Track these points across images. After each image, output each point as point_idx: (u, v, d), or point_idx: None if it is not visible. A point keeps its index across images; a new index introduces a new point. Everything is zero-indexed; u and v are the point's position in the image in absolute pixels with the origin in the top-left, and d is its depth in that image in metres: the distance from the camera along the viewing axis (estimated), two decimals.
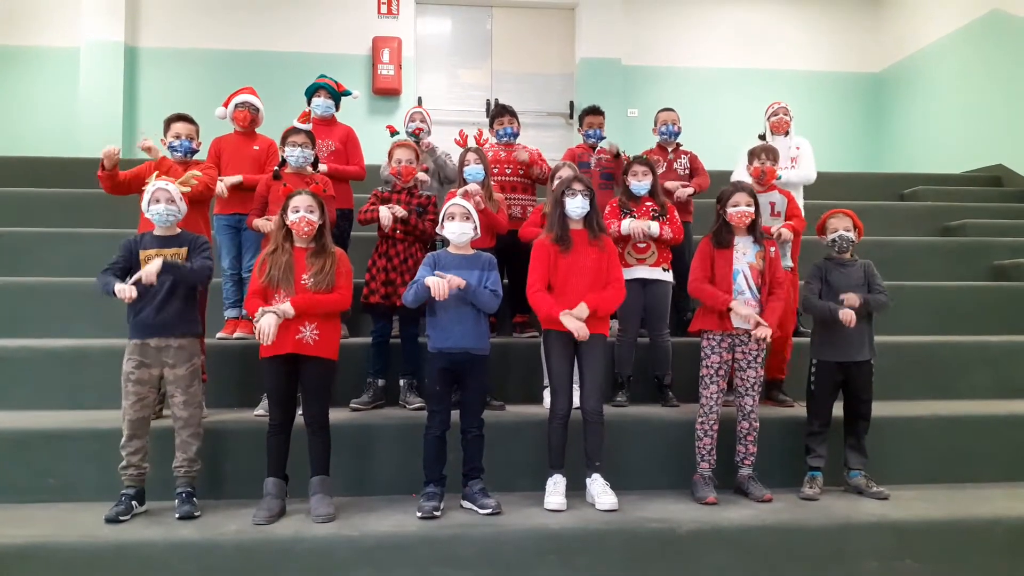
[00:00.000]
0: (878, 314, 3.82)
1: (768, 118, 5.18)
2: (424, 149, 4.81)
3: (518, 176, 4.85)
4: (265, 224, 4.06)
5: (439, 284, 3.30)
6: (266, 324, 3.23)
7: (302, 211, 3.40)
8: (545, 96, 10.05)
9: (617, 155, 4.93)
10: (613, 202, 4.39)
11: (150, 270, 3.25)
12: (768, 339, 3.62)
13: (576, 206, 3.56)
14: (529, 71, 10.09)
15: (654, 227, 4.21)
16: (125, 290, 3.23)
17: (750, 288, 3.67)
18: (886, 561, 3.28)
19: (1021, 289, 5.67)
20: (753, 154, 4.46)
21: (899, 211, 7.29)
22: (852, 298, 3.70)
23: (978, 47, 8.56)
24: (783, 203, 4.45)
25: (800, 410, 3.95)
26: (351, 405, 4.03)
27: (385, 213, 4.08)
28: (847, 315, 3.66)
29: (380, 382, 4.14)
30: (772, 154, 4.42)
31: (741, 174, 4.74)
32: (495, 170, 4.70)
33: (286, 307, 3.28)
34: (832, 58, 10.32)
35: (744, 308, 3.58)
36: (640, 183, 4.31)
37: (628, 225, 4.17)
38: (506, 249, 4.43)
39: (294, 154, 4.19)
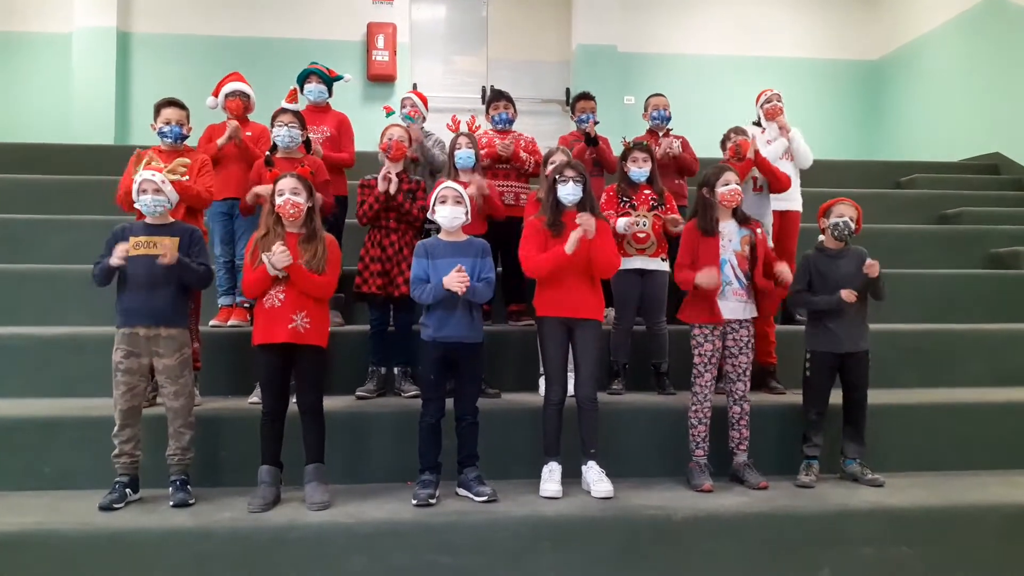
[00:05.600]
0: (875, 300, 3.80)
1: (761, 106, 5.15)
2: (414, 140, 4.80)
3: (510, 165, 4.82)
4: (264, 189, 3.97)
5: (456, 282, 3.28)
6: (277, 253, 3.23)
7: (287, 194, 3.36)
8: (541, 83, 10.01)
9: (593, 140, 4.85)
10: (610, 190, 4.36)
11: (169, 249, 3.21)
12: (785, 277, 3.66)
13: (568, 192, 3.53)
14: (525, 58, 10.05)
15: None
16: (117, 251, 3.20)
17: (738, 278, 3.67)
18: (881, 548, 3.29)
19: (1017, 277, 5.68)
20: (726, 139, 4.55)
21: (896, 199, 7.29)
22: (849, 294, 3.65)
23: (976, 35, 8.53)
24: (764, 182, 4.50)
25: (793, 397, 3.96)
26: (357, 393, 4.03)
27: (381, 183, 4.04)
28: (849, 293, 3.62)
29: (383, 370, 4.16)
30: (738, 129, 4.54)
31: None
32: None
33: (284, 256, 3.24)
34: (830, 46, 10.29)
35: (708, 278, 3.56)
36: (640, 170, 4.28)
37: (623, 224, 4.13)
38: (499, 236, 4.40)
39: (281, 133, 4.15)
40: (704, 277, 3.55)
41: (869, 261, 3.67)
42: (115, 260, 3.22)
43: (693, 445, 3.66)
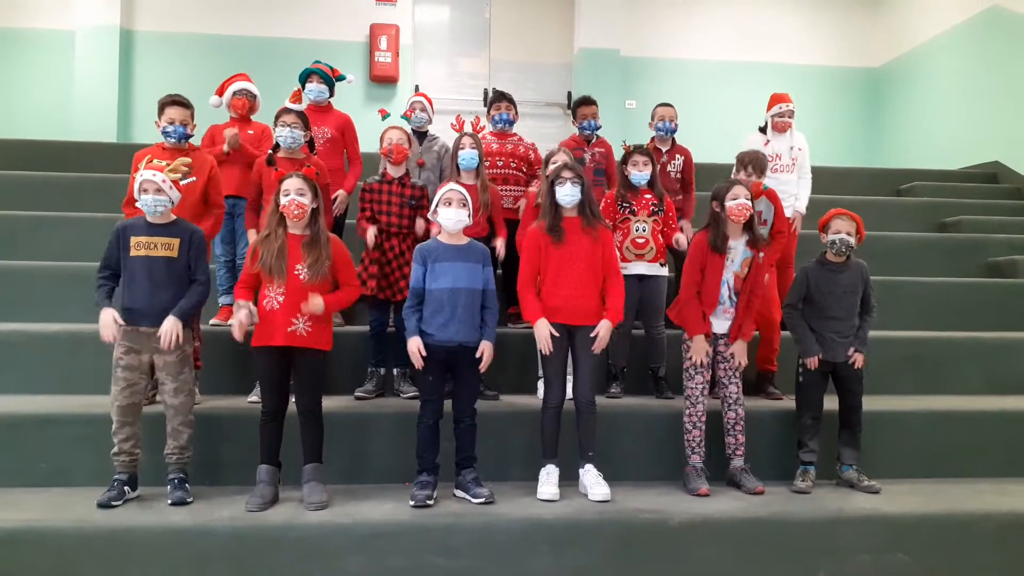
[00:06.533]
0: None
1: (772, 116, 5.10)
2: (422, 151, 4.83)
3: (511, 168, 4.83)
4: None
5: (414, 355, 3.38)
6: (240, 318, 3.31)
7: (292, 194, 3.36)
8: (543, 86, 10.02)
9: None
10: (608, 197, 4.36)
11: (169, 337, 3.24)
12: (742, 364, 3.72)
13: (566, 194, 3.52)
14: (527, 60, 10.06)
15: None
16: (103, 330, 3.24)
17: (730, 298, 3.68)
18: (877, 554, 3.30)
19: (1015, 286, 5.69)
20: (740, 163, 4.36)
21: (895, 206, 7.30)
22: (812, 362, 3.75)
23: (977, 43, 8.55)
24: (770, 211, 4.41)
25: (791, 403, 3.95)
26: (356, 393, 4.04)
27: (370, 237, 4.09)
28: (812, 362, 3.72)
29: (382, 371, 4.17)
30: (759, 166, 4.32)
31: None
32: (487, 162, 4.67)
33: (318, 302, 3.30)
34: (831, 52, 10.31)
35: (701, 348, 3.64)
36: (641, 173, 4.28)
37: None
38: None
39: (283, 134, 4.15)
40: (697, 350, 3.63)
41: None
42: (103, 322, 3.25)
43: (689, 450, 3.66)
